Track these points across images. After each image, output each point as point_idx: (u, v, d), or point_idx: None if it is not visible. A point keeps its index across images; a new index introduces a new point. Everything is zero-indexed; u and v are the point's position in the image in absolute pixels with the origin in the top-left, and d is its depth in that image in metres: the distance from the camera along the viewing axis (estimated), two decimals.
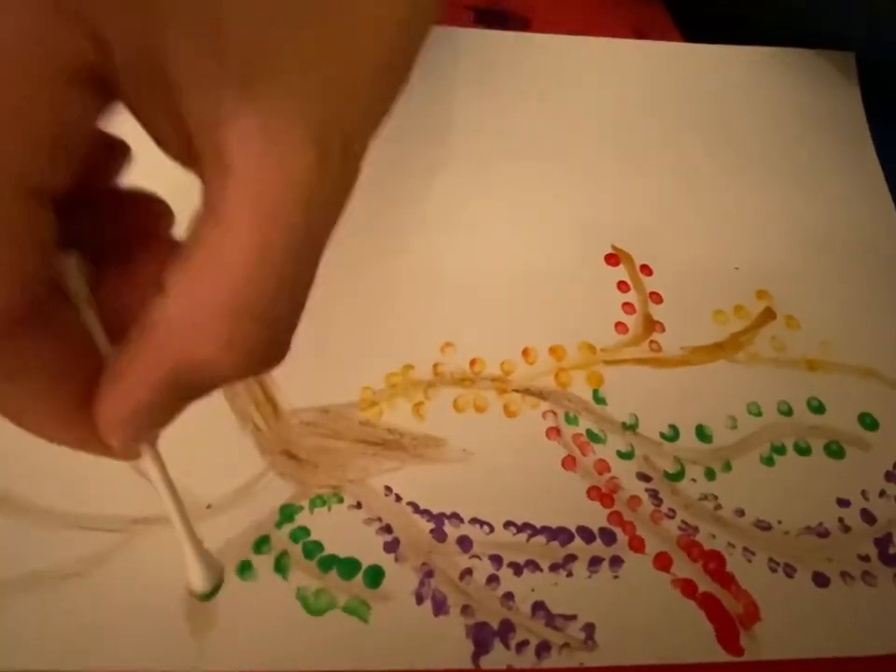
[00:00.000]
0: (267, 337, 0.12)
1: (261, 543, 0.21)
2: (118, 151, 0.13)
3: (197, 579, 0.16)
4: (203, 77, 0.10)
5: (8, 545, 0.20)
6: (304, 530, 0.21)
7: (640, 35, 0.31)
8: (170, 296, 0.11)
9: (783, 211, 0.29)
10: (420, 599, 0.20)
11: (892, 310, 0.27)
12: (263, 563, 0.20)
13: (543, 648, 0.20)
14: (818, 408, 0.25)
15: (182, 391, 0.12)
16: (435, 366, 0.24)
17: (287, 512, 0.21)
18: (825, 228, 0.28)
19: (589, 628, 0.20)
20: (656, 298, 0.26)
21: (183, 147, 0.11)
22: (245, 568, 0.20)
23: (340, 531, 0.21)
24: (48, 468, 0.21)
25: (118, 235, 0.14)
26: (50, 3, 0.09)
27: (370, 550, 0.21)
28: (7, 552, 0.20)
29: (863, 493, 0.23)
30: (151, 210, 0.14)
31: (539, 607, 0.21)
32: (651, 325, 0.26)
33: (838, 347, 0.26)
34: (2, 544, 0.20)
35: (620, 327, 0.26)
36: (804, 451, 0.24)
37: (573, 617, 0.21)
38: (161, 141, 0.12)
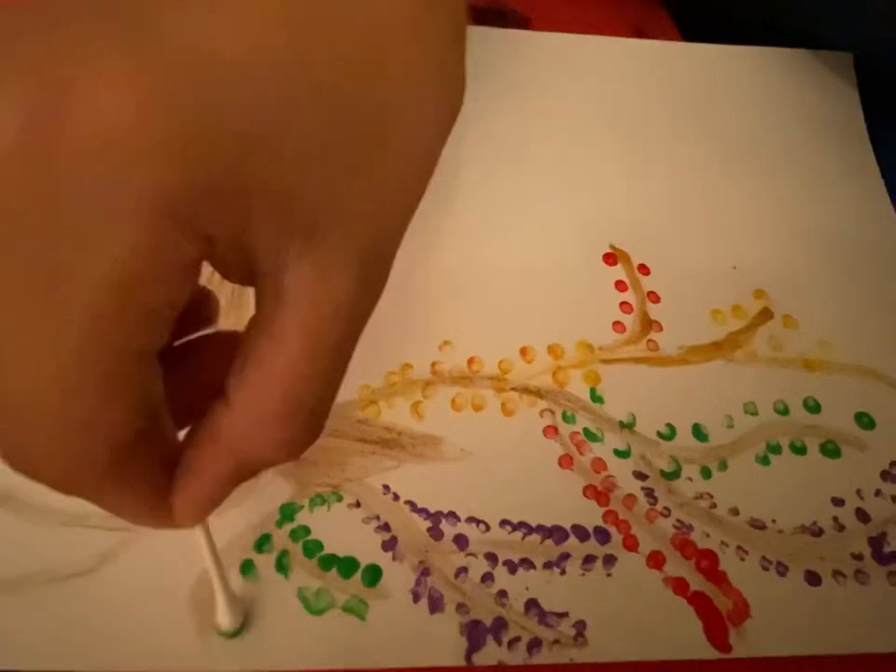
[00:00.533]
0: (313, 429, 0.14)
1: (263, 542, 0.21)
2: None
3: (225, 618, 0.19)
4: (276, 242, 0.13)
5: (12, 543, 0.20)
6: (305, 529, 0.22)
7: (640, 34, 0.31)
8: (230, 403, 0.14)
9: (781, 211, 0.29)
10: (416, 598, 0.21)
11: (891, 309, 0.27)
12: (265, 562, 0.21)
13: (534, 644, 0.21)
14: (814, 407, 0.25)
15: (241, 480, 0.15)
16: (433, 364, 0.25)
17: (288, 512, 0.22)
18: (823, 227, 0.28)
19: (580, 625, 0.21)
20: (654, 297, 0.26)
21: (246, 280, 0.14)
22: (247, 568, 0.21)
23: (339, 530, 0.22)
24: None
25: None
26: (178, 221, 0.11)
27: (368, 548, 0.22)
28: (11, 550, 0.20)
29: (858, 492, 0.24)
30: (201, 301, 0.17)
31: (532, 604, 0.21)
32: (648, 324, 0.26)
33: (836, 347, 0.26)
34: (6, 542, 0.20)
35: (617, 326, 0.26)
36: (799, 450, 0.24)
37: (565, 614, 0.21)
38: (227, 276, 0.14)
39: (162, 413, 0.15)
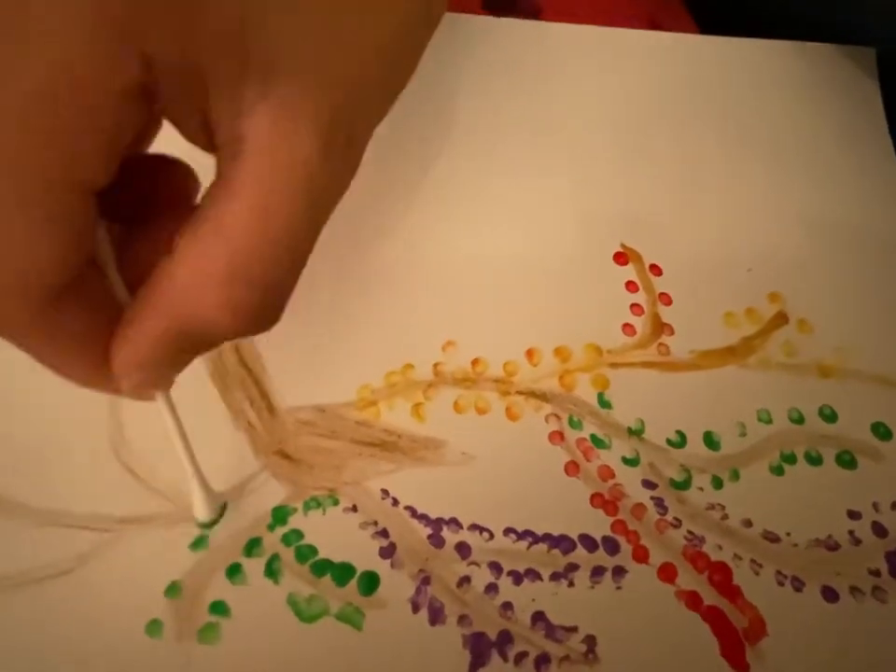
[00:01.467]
0: (261, 302, 0.13)
1: (252, 546, 0.20)
2: (151, 126, 0.15)
3: (200, 508, 0.19)
4: (229, 80, 0.12)
5: None
6: (298, 533, 0.21)
7: (655, 26, 0.30)
8: (175, 257, 0.13)
9: (798, 211, 0.28)
10: (416, 607, 0.20)
11: None
12: (254, 567, 0.20)
13: (543, 660, 0.19)
14: (830, 416, 0.24)
15: (183, 345, 0.14)
16: (435, 365, 0.24)
17: (280, 515, 0.21)
18: (841, 228, 0.28)
19: (590, 640, 0.20)
20: (666, 299, 0.26)
21: (208, 139, 0.13)
22: (234, 572, 0.20)
23: (334, 535, 0.21)
24: (34, 467, 0.20)
25: (146, 198, 0.15)
26: (113, 31, 0.11)
27: (365, 555, 0.20)
28: None
29: (875, 505, 0.23)
30: (176, 175, 0.15)
31: (538, 617, 0.20)
32: (659, 327, 0.25)
33: (853, 353, 0.25)
34: None
35: (627, 328, 0.25)
36: (814, 460, 0.23)
37: (574, 629, 0.20)
38: (188, 135, 0.13)
39: (106, 263, 0.14)
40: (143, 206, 0.15)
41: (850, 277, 0.27)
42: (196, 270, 0.13)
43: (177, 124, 0.13)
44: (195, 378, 0.22)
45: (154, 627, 0.19)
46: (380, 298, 0.25)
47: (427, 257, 0.25)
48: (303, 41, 0.12)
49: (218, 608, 0.19)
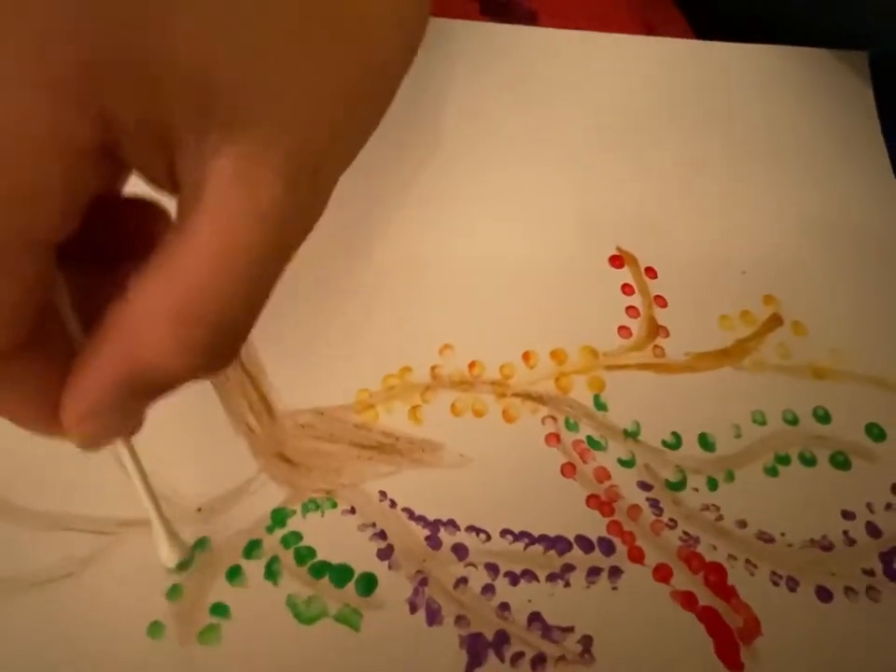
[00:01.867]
0: (212, 341, 0.12)
1: (252, 548, 0.20)
2: (119, 172, 0.14)
3: (165, 554, 0.19)
4: (193, 130, 0.12)
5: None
6: (296, 535, 0.21)
7: (651, 31, 0.30)
8: (127, 297, 0.12)
9: (793, 214, 0.28)
10: (413, 608, 0.20)
11: None
12: (254, 568, 0.20)
13: (539, 660, 0.20)
14: (824, 417, 0.24)
15: (135, 389, 0.13)
16: (433, 368, 0.24)
17: (280, 517, 0.21)
18: (836, 231, 0.28)
19: (586, 641, 0.20)
20: (661, 302, 0.26)
21: (173, 185, 0.13)
22: (234, 574, 0.20)
23: (333, 537, 0.21)
24: (34, 470, 0.21)
25: (115, 240, 0.15)
26: (69, 92, 0.10)
27: (363, 556, 0.21)
28: None
29: (869, 505, 0.23)
30: (149, 217, 0.15)
31: (535, 618, 0.20)
32: (655, 329, 0.25)
33: (847, 355, 0.26)
34: None
35: (623, 331, 0.25)
36: (809, 461, 0.24)
37: (570, 629, 0.20)
38: (153, 181, 0.13)
39: (64, 311, 0.14)
40: (112, 248, 0.15)
41: (845, 279, 0.27)
42: (146, 309, 0.12)
43: (142, 172, 0.13)
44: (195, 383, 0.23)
45: (156, 629, 0.19)
46: (378, 302, 0.25)
47: (424, 261, 0.26)
48: (268, 88, 0.12)
49: (219, 609, 0.19)
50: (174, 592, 0.19)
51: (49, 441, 0.21)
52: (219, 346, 0.13)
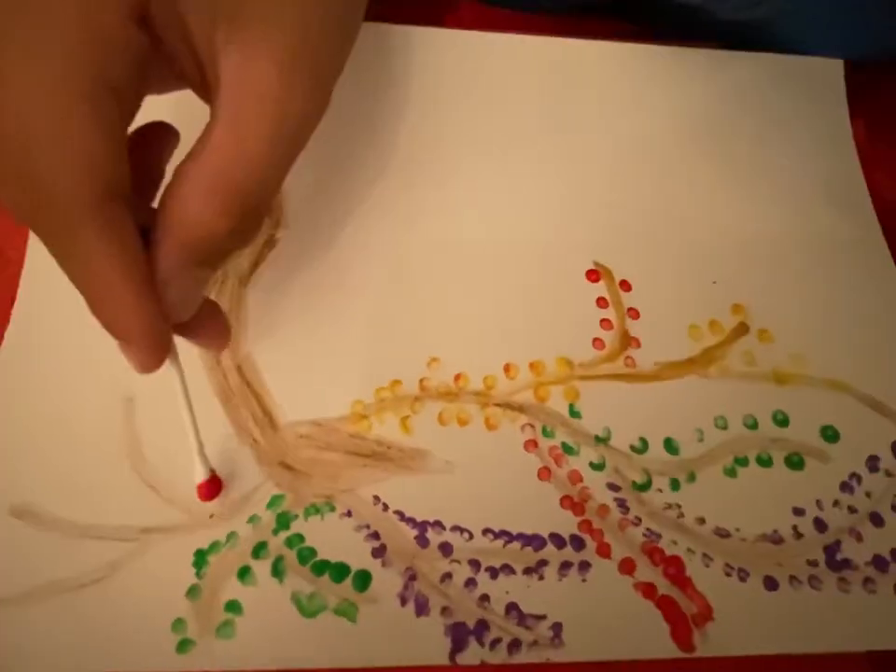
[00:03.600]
0: (241, 207, 0.16)
1: (259, 549, 0.23)
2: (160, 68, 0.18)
3: (196, 471, 0.23)
4: (204, 23, 0.16)
5: (29, 555, 0.22)
6: (299, 537, 0.24)
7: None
8: (173, 179, 0.16)
9: (764, 223, 0.30)
10: (404, 601, 0.23)
11: (868, 322, 0.28)
12: (262, 568, 0.23)
13: (514, 645, 0.23)
14: (782, 421, 0.27)
15: (194, 257, 0.17)
16: (421, 381, 0.26)
17: (284, 520, 0.24)
18: (806, 240, 0.30)
19: (557, 627, 0.23)
20: (634, 314, 0.28)
21: (202, 83, 0.17)
22: (244, 573, 0.23)
23: (331, 538, 0.24)
24: (64, 480, 0.24)
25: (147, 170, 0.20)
26: None
27: (359, 555, 0.24)
28: (27, 562, 0.22)
29: (818, 502, 0.26)
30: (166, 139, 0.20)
31: (512, 607, 0.23)
32: (627, 341, 0.28)
33: (810, 360, 0.28)
34: (23, 555, 0.22)
35: (597, 343, 0.28)
36: (765, 462, 0.26)
37: (543, 617, 0.23)
38: (186, 78, 0.18)
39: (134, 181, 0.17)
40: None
41: (813, 288, 0.29)
42: (188, 184, 0.16)
43: (181, 72, 0.17)
44: (203, 398, 0.25)
45: (179, 625, 0.22)
46: (370, 319, 0.27)
47: (411, 282, 0.28)
48: None
49: (233, 607, 0.22)
50: (193, 592, 0.22)
51: (73, 460, 0.24)
52: (247, 211, 0.16)
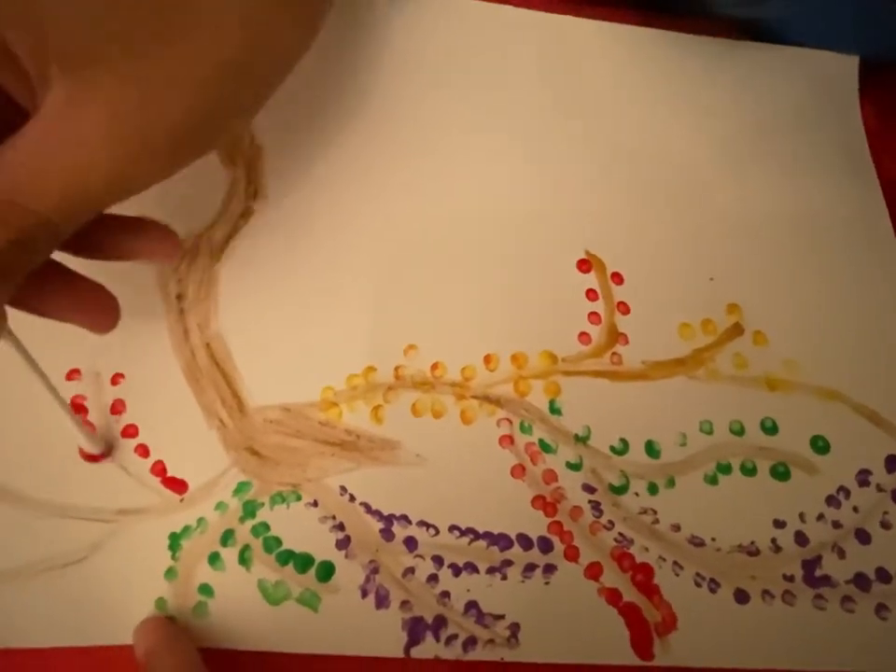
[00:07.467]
0: (18, 226, 0.16)
1: (227, 537, 0.24)
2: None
3: (87, 445, 0.24)
4: (35, 61, 0.16)
5: (11, 535, 0.24)
6: (265, 526, 0.25)
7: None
8: None
9: (766, 219, 0.29)
10: (365, 593, 0.24)
11: (865, 330, 0.28)
12: (230, 555, 0.24)
13: (470, 642, 0.24)
14: (771, 428, 0.27)
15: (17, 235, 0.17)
16: (397, 368, 0.27)
17: (250, 508, 0.25)
18: (810, 234, 0.29)
19: (514, 627, 0.24)
20: (623, 308, 0.27)
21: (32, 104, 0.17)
22: (214, 559, 0.24)
23: (297, 527, 0.25)
24: (42, 465, 0.25)
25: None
26: None
27: (323, 546, 0.24)
28: (11, 541, 0.24)
29: (801, 515, 0.26)
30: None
31: (471, 605, 0.24)
32: (614, 336, 0.27)
33: (804, 367, 0.27)
34: (6, 534, 0.24)
35: (583, 337, 0.27)
36: (749, 471, 0.26)
37: (501, 616, 0.24)
38: (19, 97, 0.18)
39: None
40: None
41: (812, 287, 0.28)
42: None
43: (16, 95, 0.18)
44: (170, 377, 0.26)
45: (161, 603, 0.23)
46: (345, 302, 0.27)
47: (392, 263, 0.28)
48: (103, 48, 0.15)
49: (205, 590, 0.24)
50: (170, 573, 0.24)
51: (49, 441, 0.25)
52: (26, 230, 0.16)
